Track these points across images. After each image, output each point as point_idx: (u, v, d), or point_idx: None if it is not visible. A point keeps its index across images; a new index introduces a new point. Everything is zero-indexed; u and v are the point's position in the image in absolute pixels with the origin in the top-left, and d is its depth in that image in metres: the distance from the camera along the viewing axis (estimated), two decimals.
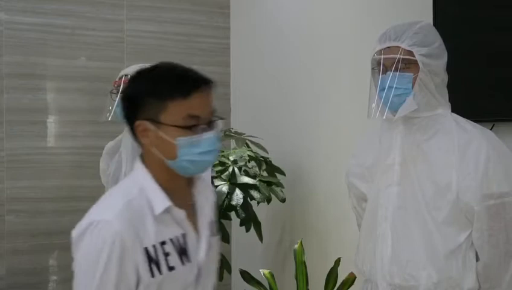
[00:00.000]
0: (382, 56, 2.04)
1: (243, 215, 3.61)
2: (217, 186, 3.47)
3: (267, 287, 3.46)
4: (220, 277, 3.79)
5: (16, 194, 3.97)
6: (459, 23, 2.70)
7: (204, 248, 1.70)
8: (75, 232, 1.62)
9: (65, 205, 4.07)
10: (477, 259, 2.01)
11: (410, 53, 2.01)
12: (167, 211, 1.62)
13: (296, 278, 3.39)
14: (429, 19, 2.73)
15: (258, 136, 3.86)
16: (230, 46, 4.56)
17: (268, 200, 3.66)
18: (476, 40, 2.65)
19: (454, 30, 2.65)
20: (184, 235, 1.66)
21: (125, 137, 2.94)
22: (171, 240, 1.63)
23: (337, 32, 3.56)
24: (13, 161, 3.99)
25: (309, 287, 3.38)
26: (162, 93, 1.59)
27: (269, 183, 3.69)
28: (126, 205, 1.59)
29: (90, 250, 1.56)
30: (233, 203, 3.53)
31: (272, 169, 3.79)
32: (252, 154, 3.75)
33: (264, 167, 3.76)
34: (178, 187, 1.68)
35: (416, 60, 2.00)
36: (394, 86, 2.01)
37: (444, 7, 2.76)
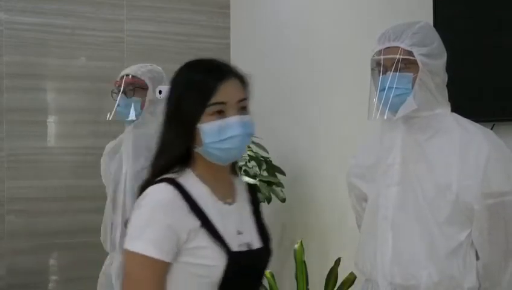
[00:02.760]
0: (382, 56, 2.04)
1: None
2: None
3: (267, 287, 3.46)
4: None
5: (16, 194, 3.97)
6: (459, 23, 2.70)
7: None
8: None
9: (65, 205, 4.07)
10: (477, 258, 2.02)
11: (410, 53, 2.01)
12: None
13: (296, 278, 3.39)
14: (429, 19, 2.73)
15: (258, 136, 3.86)
16: (230, 46, 4.56)
17: (269, 200, 3.66)
18: (476, 40, 2.65)
19: (454, 30, 2.65)
20: None
21: (126, 137, 2.95)
22: None
23: (337, 32, 3.57)
24: (13, 161, 3.99)
25: (309, 287, 3.38)
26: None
27: (269, 183, 3.69)
28: None
29: None
30: None
31: (272, 169, 3.79)
32: (252, 154, 3.75)
33: (264, 166, 3.76)
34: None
35: (415, 60, 2.00)
36: (394, 86, 2.01)
37: (444, 7, 2.77)
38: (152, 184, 1.64)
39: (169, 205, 1.60)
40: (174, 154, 1.67)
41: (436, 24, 2.63)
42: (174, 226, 1.57)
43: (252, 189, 1.87)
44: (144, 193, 1.63)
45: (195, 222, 1.60)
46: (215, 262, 1.60)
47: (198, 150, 1.66)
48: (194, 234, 1.59)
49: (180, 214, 1.59)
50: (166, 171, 1.66)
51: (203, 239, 1.60)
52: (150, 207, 1.60)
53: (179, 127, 1.65)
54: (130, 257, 1.59)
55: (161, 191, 1.62)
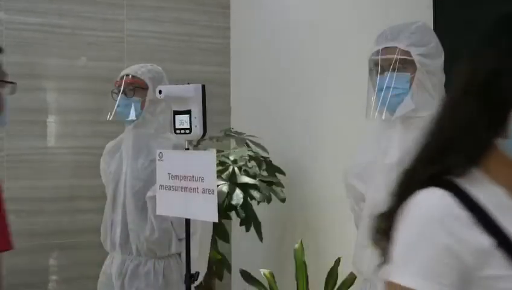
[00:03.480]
0: (379, 57, 2.05)
1: (243, 215, 3.61)
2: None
3: (267, 287, 3.46)
4: (220, 277, 3.80)
5: (16, 194, 3.97)
6: (459, 23, 2.70)
7: None
8: None
9: (65, 205, 4.07)
10: None
11: (407, 53, 2.02)
12: None
13: (296, 278, 3.39)
14: (429, 19, 2.73)
15: (258, 136, 3.86)
16: (230, 46, 4.56)
17: (269, 200, 3.66)
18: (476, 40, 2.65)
19: (454, 30, 2.65)
20: None
21: (126, 137, 2.95)
22: None
23: (337, 32, 3.57)
24: (13, 161, 3.99)
25: (309, 287, 3.38)
26: None
27: (269, 183, 3.69)
28: None
29: None
30: (234, 203, 3.53)
31: (272, 169, 3.79)
32: (252, 154, 3.75)
33: (264, 166, 3.76)
34: None
35: (413, 60, 2.01)
36: (392, 86, 2.02)
37: (444, 7, 2.77)
38: (419, 188, 1.20)
39: (445, 217, 1.15)
40: (474, 147, 1.19)
41: (436, 24, 2.63)
42: (454, 248, 1.13)
43: None
44: (410, 202, 1.20)
45: (486, 241, 1.14)
46: None
47: (500, 143, 1.18)
48: (484, 257, 1.14)
49: (463, 229, 1.14)
50: (445, 174, 1.20)
51: (499, 265, 1.14)
52: (419, 222, 1.17)
53: (491, 109, 1.17)
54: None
55: (433, 199, 1.17)
